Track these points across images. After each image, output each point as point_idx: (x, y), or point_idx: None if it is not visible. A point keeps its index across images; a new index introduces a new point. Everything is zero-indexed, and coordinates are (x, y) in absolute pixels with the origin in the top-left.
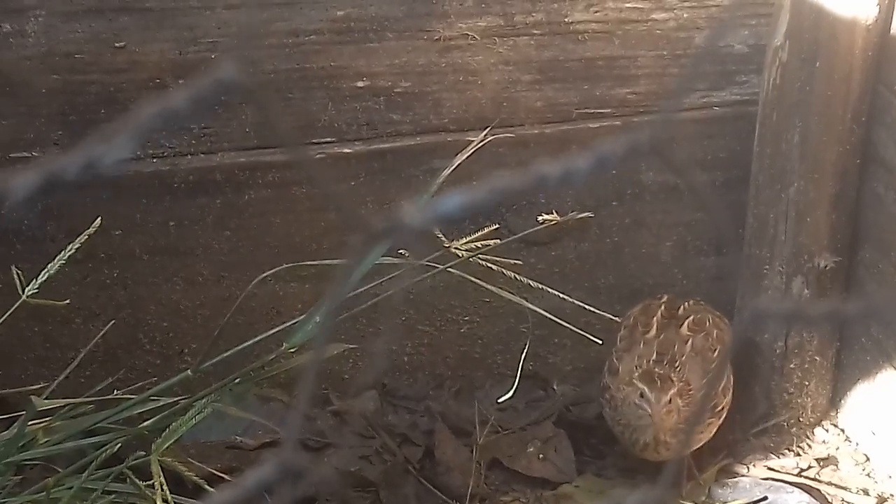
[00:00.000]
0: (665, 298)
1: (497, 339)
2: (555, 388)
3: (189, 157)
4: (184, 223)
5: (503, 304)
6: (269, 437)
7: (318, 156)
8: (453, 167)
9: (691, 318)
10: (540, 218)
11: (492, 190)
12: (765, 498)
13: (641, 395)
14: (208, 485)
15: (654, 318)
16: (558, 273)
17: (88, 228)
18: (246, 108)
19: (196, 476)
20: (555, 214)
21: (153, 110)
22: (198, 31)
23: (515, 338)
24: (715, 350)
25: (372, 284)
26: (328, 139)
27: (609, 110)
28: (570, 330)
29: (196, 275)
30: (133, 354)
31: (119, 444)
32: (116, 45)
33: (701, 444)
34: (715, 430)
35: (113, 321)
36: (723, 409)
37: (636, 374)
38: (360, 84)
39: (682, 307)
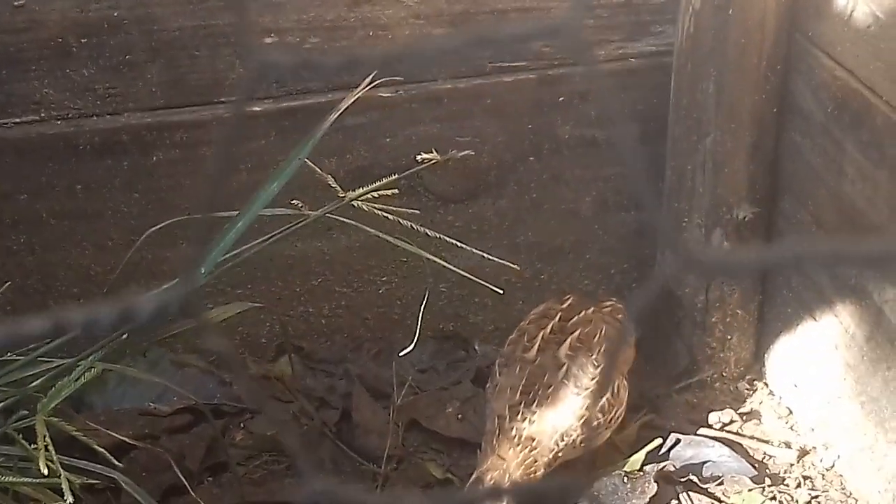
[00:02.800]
0: (569, 301)
1: (416, 300)
2: (476, 348)
3: (94, 118)
4: (91, 186)
5: (422, 263)
6: (183, 403)
7: (226, 115)
8: (335, 117)
9: (578, 332)
10: (419, 157)
11: None
12: (659, 437)
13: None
14: (116, 451)
15: (541, 334)
16: (476, 231)
17: None
18: (152, 67)
19: (84, 436)
20: (434, 153)
21: None
22: None
23: (435, 297)
24: (599, 366)
25: (265, 238)
26: (236, 98)
27: (524, 63)
28: (490, 290)
29: (106, 239)
30: None
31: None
32: (15, 3)
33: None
34: (608, 435)
35: (9, 283)
36: (616, 417)
37: (494, 438)
38: (267, 41)
39: (576, 316)
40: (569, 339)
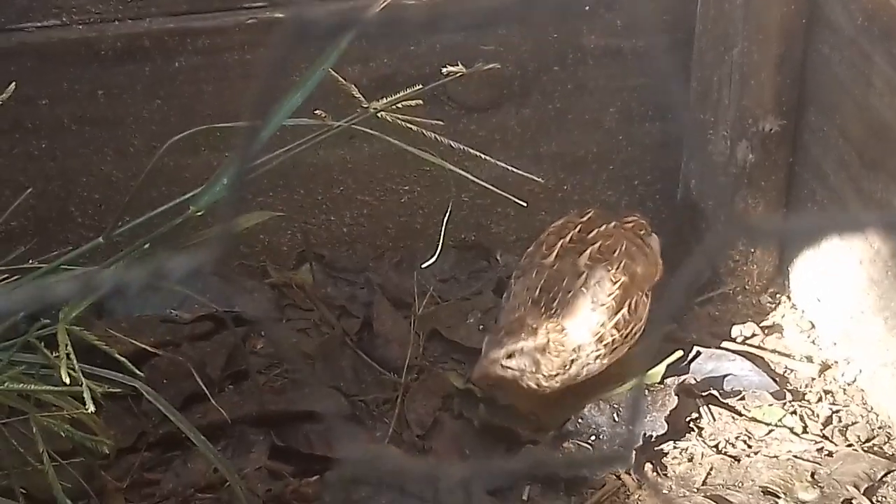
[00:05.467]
0: (589, 215)
1: (438, 209)
2: (498, 258)
3: (116, 22)
4: (112, 92)
5: (444, 172)
6: (204, 311)
7: (249, 21)
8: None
9: (598, 244)
10: (444, 70)
11: None
12: (680, 349)
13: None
14: (137, 358)
15: (560, 242)
16: (500, 140)
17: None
18: None
19: (105, 345)
20: (459, 66)
21: None
22: None
23: (458, 207)
24: (617, 282)
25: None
26: (259, 3)
27: None
28: (513, 200)
29: (127, 145)
30: (65, 227)
31: (23, 315)
32: None
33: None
34: (625, 350)
35: (30, 189)
36: (633, 333)
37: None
38: None
39: (597, 230)
40: (589, 250)
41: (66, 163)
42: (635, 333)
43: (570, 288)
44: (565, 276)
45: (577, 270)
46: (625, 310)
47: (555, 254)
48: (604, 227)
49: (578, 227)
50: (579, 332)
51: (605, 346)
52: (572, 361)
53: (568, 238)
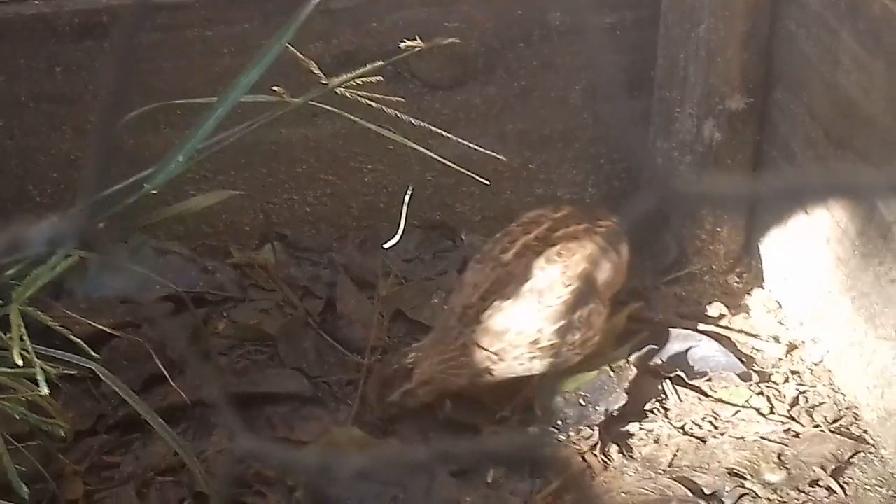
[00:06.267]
0: (563, 212)
1: (403, 188)
2: (463, 238)
3: None
4: (71, 68)
5: (409, 151)
6: (165, 292)
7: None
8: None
9: (560, 246)
10: (402, 44)
11: None
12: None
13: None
14: (97, 339)
15: (524, 239)
16: (464, 118)
17: None
18: None
19: (61, 326)
20: (418, 40)
21: None
22: None
23: (422, 186)
24: (569, 286)
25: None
26: None
27: None
28: (477, 179)
29: (86, 123)
30: (23, 207)
31: None
32: None
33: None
34: (577, 360)
35: None
36: (583, 342)
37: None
38: None
39: (564, 230)
40: (547, 252)
41: (23, 141)
42: (585, 342)
43: (513, 294)
44: (513, 280)
45: (527, 274)
46: (574, 316)
47: (514, 251)
48: (572, 227)
49: (548, 224)
50: (509, 334)
51: (540, 349)
52: (494, 362)
53: (533, 235)
